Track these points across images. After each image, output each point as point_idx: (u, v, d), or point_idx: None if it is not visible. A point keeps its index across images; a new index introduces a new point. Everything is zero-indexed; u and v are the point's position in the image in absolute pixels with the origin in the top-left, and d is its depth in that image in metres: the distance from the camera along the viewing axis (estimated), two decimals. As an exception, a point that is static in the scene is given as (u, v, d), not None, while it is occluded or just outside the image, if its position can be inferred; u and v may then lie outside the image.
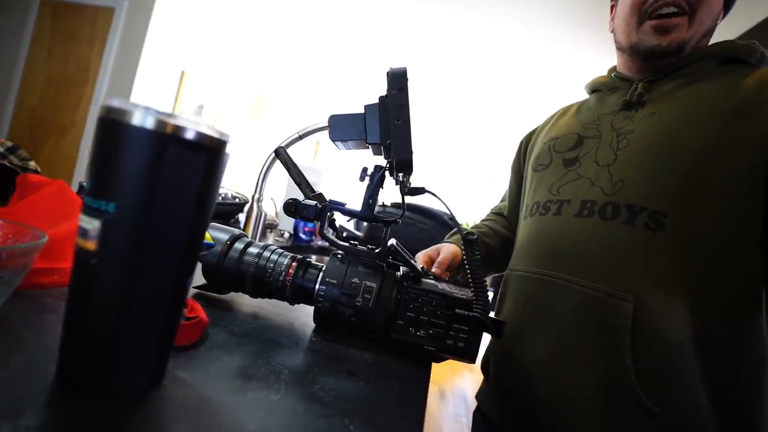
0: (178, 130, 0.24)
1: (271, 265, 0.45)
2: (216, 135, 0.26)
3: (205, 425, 0.23)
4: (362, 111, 0.45)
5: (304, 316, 0.49)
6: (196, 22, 3.01)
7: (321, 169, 1.38)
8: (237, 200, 1.16)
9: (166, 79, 2.87)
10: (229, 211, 1.14)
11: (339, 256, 0.45)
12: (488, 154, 6.77)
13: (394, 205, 1.52)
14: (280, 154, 0.54)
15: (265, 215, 1.01)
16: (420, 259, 0.64)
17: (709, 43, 0.59)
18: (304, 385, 0.31)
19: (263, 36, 3.83)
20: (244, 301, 0.50)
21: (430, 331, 0.41)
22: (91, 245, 0.23)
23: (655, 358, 0.47)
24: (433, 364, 0.44)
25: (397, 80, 0.41)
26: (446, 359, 0.44)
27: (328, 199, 0.47)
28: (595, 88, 0.68)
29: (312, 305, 0.44)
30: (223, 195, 1.18)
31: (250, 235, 0.98)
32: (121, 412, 0.23)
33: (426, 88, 4.43)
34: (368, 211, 0.46)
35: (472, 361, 0.42)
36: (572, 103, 0.74)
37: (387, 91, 0.43)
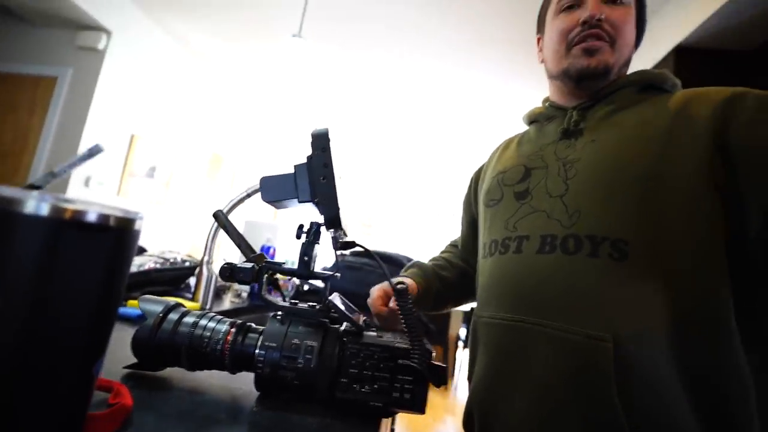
0: (78, 214, 0.23)
1: (208, 333, 0.43)
2: (122, 214, 0.25)
3: None
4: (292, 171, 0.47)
5: (245, 385, 0.47)
6: (143, 87, 3.02)
7: (277, 225, 1.37)
8: (187, 264, 1.11)
9: (114, 144, 2.81)
10: (179, 276, 1.09)
11: (278, 317, 0.44)
12: (447, 191, 7.00)
13: (354, 254, 1.52)
14: (219, 217, 0.54)
15: (217, 277, 0.98)
16: (374, 294, 0.64)
17: (627, 73, 0.62)
18: (235, 466, 0.29)
19: (215, 95, 3.89)
20: (181, 377, 0.47)
21: (375, 386, 0.40)
22: (-26, 344, 0.21)
23: (644, 398, 0.44)
24: (411, 415, 0.42)
25: (320, 141, 0.43)
26: (396, 413, 0.43)
27: (265, 260, 0.47)
28: (533, 119, 0.69)
29: (253, 372, 0.42)
30: (172, 259, 1.14)
31: (200, 299, 0.94)
32: None
33: (379, 131, 4.61)
34: (304, 269, 0.46)
35: (422, 411, 0.41)
36: (513, 136, 0.75)
37: (312, 151, 0.44)
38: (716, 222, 0.47)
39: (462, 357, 4.22)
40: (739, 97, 0.49)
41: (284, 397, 0.42)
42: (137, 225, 0.27)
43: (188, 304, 0.85)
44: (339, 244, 0.45)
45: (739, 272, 0.46)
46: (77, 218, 0.23)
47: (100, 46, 2.63)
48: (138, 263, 0.97)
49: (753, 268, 0.46)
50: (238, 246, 0.51)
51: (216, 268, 1.01)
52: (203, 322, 0.44)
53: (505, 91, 3.14)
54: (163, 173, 3.32)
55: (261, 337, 0.42)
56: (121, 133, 2.88)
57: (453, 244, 0.87)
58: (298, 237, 0.47)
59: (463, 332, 3.93)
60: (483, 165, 0.80)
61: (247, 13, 2.71)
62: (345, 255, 1.51)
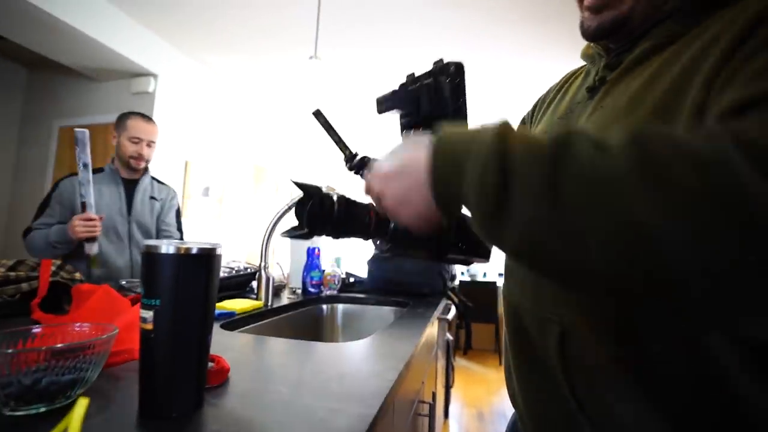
0: (188, 250, 0.41)
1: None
2: (210, 246, 0.43)
3: None
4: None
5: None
6: (190, 117, 3.36)
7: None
8: (248, 270, 1.33)
9: (172, 171, 3.18)
10: (243, 281, 1.31)
11: None
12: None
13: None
14: (319, 115, 0.56)
15: (273, 279, 1.18)
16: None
17: None
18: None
19: (251, 114, 4.20)
20: (262, 354, 0.66)
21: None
22: (149, 326, 0.39)
23: (591, 389, 0.41)
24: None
25: (460, 72, 0.48)
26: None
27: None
28: (584, 60, 0.57)
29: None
30: (236, 268, 1.36)
31: (263, 298, 1.14)
32: (179, 427, 0.38)
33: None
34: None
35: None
36: (574, 71, 0.61)
37: (450, 79, 0.47)
38: None
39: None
40: (760, 20, 0.32)
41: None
42: (219, 251, 0.44)
43: (253, 303, 1.06)
44: None
45: None
46: (188, 252, 0.41)
47: (150, 89, 2.98)
48: (211, 274, 1.20)
49: None
50: (337, 143, 0.56)
51: (272, 272, 1.21)
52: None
53: (521, 67, 3.12)
54: (216, 191, 3.68)
55: None
56: (176, 161, 3.24)
57: None
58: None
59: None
60: (550, 89, 0.65)
61: (267, 41, 2.94)
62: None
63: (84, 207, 1.34)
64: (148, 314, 0.39)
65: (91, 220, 1.34)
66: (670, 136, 0.26)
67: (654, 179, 0.24)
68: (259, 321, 1.03)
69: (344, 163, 0.55)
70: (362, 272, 1.75)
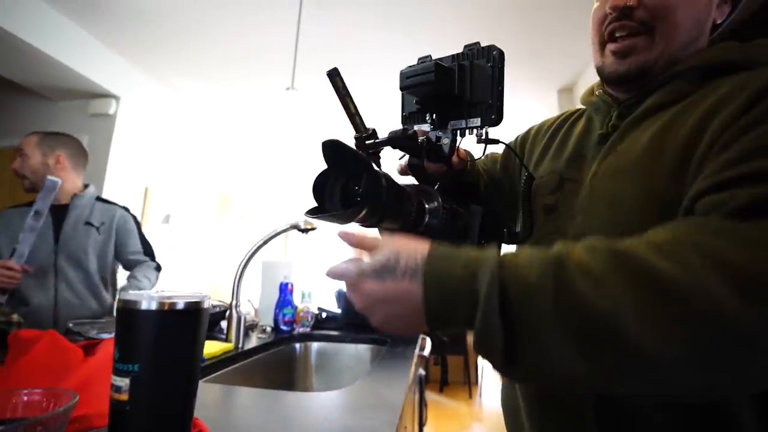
0: (172, 306, 0.36)
1: None
2: (197, 299, 0.38)
3: None
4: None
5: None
6: (153, 141, 3.22)
7: (291, 262, 1.50)
8: (218, 309, 1.24)
9: (131, 198, 3.00)
10: (212, 321, 1.22)
11: None
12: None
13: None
14: (334, 77, 0.45)
15: (245, 318, 1.11)
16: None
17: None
18: None
19: (218, 141, 4.10)
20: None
21: None
22: (124, 397, 0.34)
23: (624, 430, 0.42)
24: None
25: (503, 59, 0.46)
26: None
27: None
28: (586, 105, 0.59)
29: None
30: (202, 305, 1.27)
31: (233, 339, 1.06)
32: None
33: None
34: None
35: None
36: (568, 115, 0.64)
37: (493, 64, 0.45)
38: None
39: (484, 363, 4.26)
40: (759, 98, 0.35)
41: None
42: (206, 304, 0.40)
43: (223, 346, 0.98)
44: (486, 139, 0.47)
45: None
46: (173, 308, 0.36)
47: (111, 111, 2.84)
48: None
49: None
50: (353, 115, 0.47)
51: (243, 310, 1.14)
52: None
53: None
54: (177, 218, 3.50)
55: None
56: (136, 187, 3.06)
57: None
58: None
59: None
60: (533, 129, 0.69)
61: (242, 68, 2.92)
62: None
63: (13, 253, 1.20)
64: (123, 382, 0.34)
65: (10, 269, 1.18)
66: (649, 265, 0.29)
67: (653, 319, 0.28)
68: (229, 366, 0.96)
69: (355, 142, 0.47)
70: (332, 306, 1.69)
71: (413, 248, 0.35)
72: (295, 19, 2.14)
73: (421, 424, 2.21)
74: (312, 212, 0.41)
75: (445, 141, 0.49)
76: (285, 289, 1.41)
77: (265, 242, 1.13)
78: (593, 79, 0.57)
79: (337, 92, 0.45)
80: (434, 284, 0.33)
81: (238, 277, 1.09)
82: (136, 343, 0.35)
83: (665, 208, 0.38)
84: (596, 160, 0.49)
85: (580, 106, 0.62)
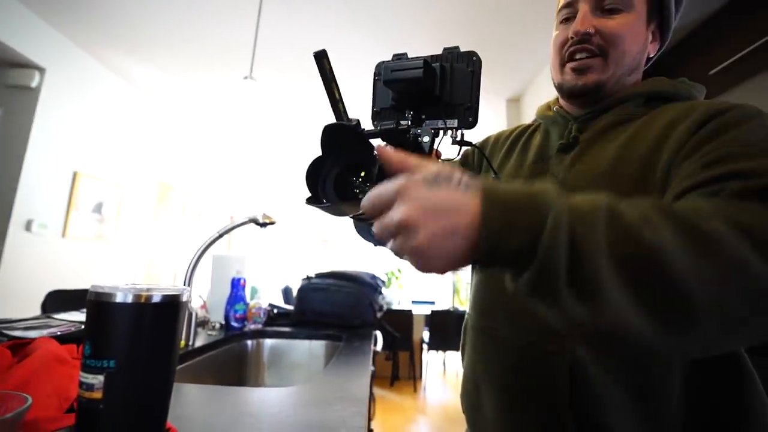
0: (149, 299, 0.35)
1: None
2: (175, 292, 0.37)
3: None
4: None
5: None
6: (85, 123, 2.93)
7: (245, 256, 1.46)
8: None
9: (56, 183, 2.70)
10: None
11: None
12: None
13: (319, 276, 1.62)
14: (321, 58, 0.43)
15: (196, 315, 1.06)
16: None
17: (642, 79, 0.59)
18: None
19: (161, 127, 3.82)
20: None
21: None
22: (97, 395, 0.32)
23: (594, 409, 0.45)
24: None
25: (480, 63, 0.47)
26: None
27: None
28: (542, 119, 0.66)
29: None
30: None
31: (183, 339, 1.01)
32: None
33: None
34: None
35: None
36: (524, 127, 0.70)
37: (473, 69, 0.47)
38: None
39: (428, 359, 4.41)
40: (704, 122, 0.44)
41: None
42: (185, 297, 0.39)
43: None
44: (460, 141, 0.49)
45: None
46: (150, 301, 0.35)
47: (33, 83, 2.53)
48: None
49: None
50: (337, 101, 0.45)
51: (194, 305, 1.08)
52: None
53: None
54: (110, 207, 3.21)
55: None
56: (63, 171, 2.77)
57: None
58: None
59: (426, 335, 4.12)
60: (491, 138, 0.74)
61: (195, 54, 2.75)
62: (311, 278, 1.61)
63: None
64: (96, 379, 0.32)
65: None
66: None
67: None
68: (181, 364, 0.91)
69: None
70: (279, 302, 1.67)
71: (459, 173, 0.34)
72: (256, 8, 2.06)
73: (369, 419, 2.26)
74: (312, 201, 0.40)
75: (425, 139, 0.48)
76: (237, 285, 1.36)
77: (221, 235, 1.09)
78: (539, 92, 0.64)
79: (322, 76, 0.43)
80: (493, 197, 0.31)
81: (190, 271, 1.04)
82: (111, 338, 0.33)
83: None
84: (564, 167, 0.54)
85: (526, 116, 0.70)
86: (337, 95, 0.45)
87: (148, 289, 0.35)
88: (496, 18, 2.24)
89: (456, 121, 0.47)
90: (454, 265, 0.33)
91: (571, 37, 0.55)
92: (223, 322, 1.32)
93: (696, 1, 1.73)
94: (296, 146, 4.56)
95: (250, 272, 1.46)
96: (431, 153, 0.51)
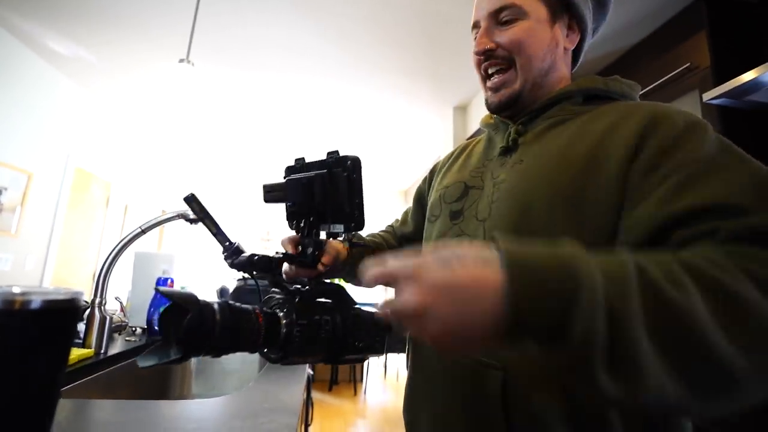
0: (25, 304, 0.29)
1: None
2: (67, 296, 0.31)
3: None
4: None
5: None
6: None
7: (173, 254, 1.33)
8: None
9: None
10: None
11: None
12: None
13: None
14: (191, 201, 0.53)
15: (111, 319, 0.94)
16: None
17: (572, 72, 0.61)
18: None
19: (76, 106, 3.43)
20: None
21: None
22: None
23: (529, 426, 0.44)
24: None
25: (358, 167, 0.48)
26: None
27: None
28: (485, 127, 0.66)
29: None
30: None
31: (94, 344, 0.89)
32: None
33: (274, 146, 4.56)
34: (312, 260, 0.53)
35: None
36: (471, 140, 0.72)
37: (348, 174, 0.47)
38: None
39: (368, 362, 4.40)
40: (652, 126, 0.44)
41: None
42: (78, 302, 0.32)
43: (79, 353, 0.82)
44: (354, 244, 0.53)
45: None
46: (27, 307, 0.29)
47: None
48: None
49: None
50: (215, 234, 0.54)
51: (110, 308, 0.96)
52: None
53: (388, 109, 3.41)
54: (13, 195, 2.81)
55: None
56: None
57: (391, 225, 0.84)
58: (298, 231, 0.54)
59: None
60: (440, 162, 0.76)
61: (126, 33, 2.49)
62: (246, 279, 1.52)
63: None
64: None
65: None
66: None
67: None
68: (88, 375, 0.80)
69: (223, 257, 0.52)
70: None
71: (476, 248, 0.31)
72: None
73: (307, 425, 2.18)
74: (143, 358, 0.36)
75: (310, 250, 0.53)
76: (164, 285, 1.24)
77: (144, 231, 0.98)
78: (483, 101, 0.65)
79: (196, 215, 0.53)
80: (519, 268, 0.28)
81: (105, 269, 0.92)
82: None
83: (567, 201, 0.45)
84: (503, 169, 0.55)
85: (472, 123, 0.74)
86: (213, 229, 0.54)
87: (24, 293, 0.29)
88: (447, 25, 2.28)
89: (341, 225, 0.49)
90: (476, 344, 0.30)
91: (478, 56, 0.58)
92: (146, 327, 1.20)
93: (619, 34, 1.91)
94: (236, 139, 4.34)
95: (180, 272, 1.34)
96: (316, 261, 0.54)
